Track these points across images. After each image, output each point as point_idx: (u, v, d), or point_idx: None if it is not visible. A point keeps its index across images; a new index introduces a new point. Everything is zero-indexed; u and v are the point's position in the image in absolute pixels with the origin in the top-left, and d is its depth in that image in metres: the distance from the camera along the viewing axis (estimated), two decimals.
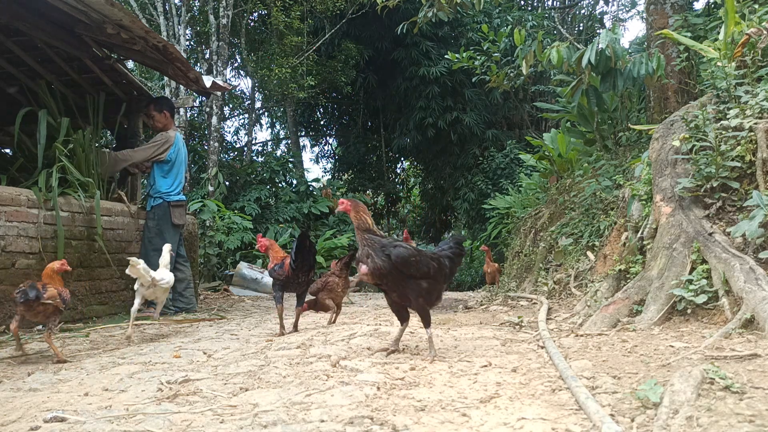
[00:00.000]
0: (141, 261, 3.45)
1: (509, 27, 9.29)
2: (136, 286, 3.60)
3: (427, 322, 2.64)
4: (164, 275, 3.73)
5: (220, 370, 2.47)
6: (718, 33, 4.51)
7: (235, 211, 9.91)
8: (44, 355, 3.01)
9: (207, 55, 12.40)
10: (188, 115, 12.03)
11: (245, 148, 14.81)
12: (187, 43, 12.24)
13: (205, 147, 12.29)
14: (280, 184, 12.36)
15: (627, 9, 17.33)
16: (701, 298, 2.90)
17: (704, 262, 3.06)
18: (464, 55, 7.56)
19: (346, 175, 18.16)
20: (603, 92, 5.51)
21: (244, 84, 16.84)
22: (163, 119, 5.39)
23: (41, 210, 4.25)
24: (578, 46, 5.78)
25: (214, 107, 11.00)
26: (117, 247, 5.03)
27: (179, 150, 5.43)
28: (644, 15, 6.27)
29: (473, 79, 8.87)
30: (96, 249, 4.74)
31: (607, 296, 3.67)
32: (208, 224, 9.09)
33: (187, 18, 11.72)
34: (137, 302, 3.61)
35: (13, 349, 3.13)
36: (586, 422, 1.58)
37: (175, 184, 5.37)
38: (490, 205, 10.42)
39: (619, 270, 3.82)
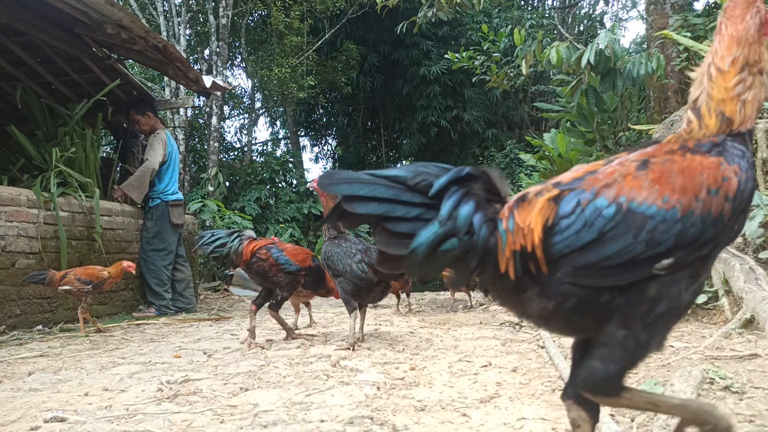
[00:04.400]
0: None
1: (509, 27, 9.29)
2: None
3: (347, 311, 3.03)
4: None
5: (220, 370, 2.47)
6: None
7: (235, 211, 9.90)
8: (44, 355, 3.01)
9: (207, 55, 12.39)
10: (188, 115, 12.03)
11: (245, 148, 14.80)
12: (187, 43, 12.23)
13: (205, 147, 12.29)
14: (280, 184, 12.36)
15: (627, 9, 17.33)
16: (701, 298, 2.91)
17: None
18: (464, 55, 7.56)
19: None
20: (603, 92, 5.51)
21: (244, 83, 16.86)
22: (148, 121, 5.38)
23: (41, 210, 4.25)
24: (578, 46, 5.79)
25: (214, 107, 10.99)
26: (117, 247, 5.03)
27: (173, 148, 5.44)
28: (644, 15, 6.27)
29: (473, 79, 8.86)
30: (96, 249, 4.74)
31: None
32: (208, 224, 9.09)
33: (187, 18, 11.72)
34: None
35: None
36: None
37: (171, 183, 5.37)
38: None
39: None
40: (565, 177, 1.07)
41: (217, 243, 3.22)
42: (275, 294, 3.28)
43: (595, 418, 1.08)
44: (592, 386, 1.02)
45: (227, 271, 8.82)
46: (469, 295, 5.56)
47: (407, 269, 0.98)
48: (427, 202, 0.98)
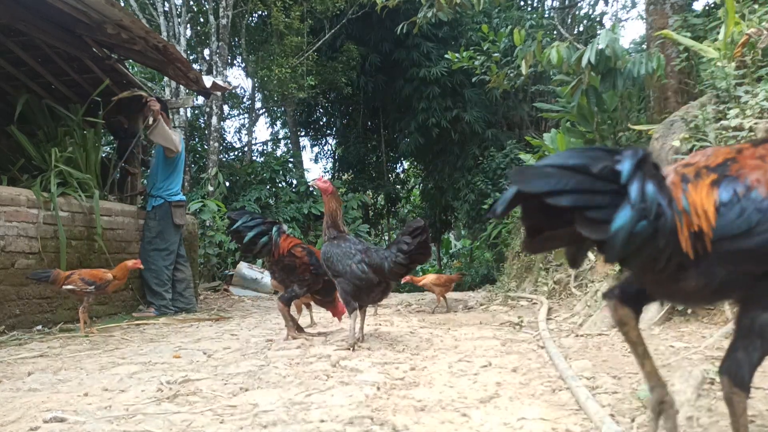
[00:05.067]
0: None
1: (509, 27, 9.29)
2: None
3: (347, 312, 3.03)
4: None
5: (220, 370, 2.47)
6: (718, 33, 4.51)
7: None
8: (44, 355, 3.01)
9: (207, 55, 12.39)
10: (188, 115, 12.02)
11: (245, 148, 14.80)
12: (187, 43, 12.23)
13: (205, 147, 12.29)
14: (280, 184, 12.36)
15: (627, 9, 17.32)
16: None
17: None
18: (464, 55, 7.56)
19: (346, 175, 18.16)
20: (603, 92, 5.51)
21: (244, 83, 16.86)
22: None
23: (41, 210, 4.25)
24: (578, 46, 5.79)
25: (214, 107, 10.99)
26: (117, 247, 5.03)
27: (182, 149, 5.44)
28: (644, 15, 6.27)
29: (473, 80, 8.84)
30: (96, 249, 4.74)
31: None
32: (208, 224, 9.09)
33: (187, 18, 11.72)
34: None
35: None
36: (587, 422, 1.58)
37: (175, 183, 5.37)
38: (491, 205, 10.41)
39: (620, 270, 3.82)
40: (707, 160, 1.15)
41: (258, 230, 3.25)
42: (291, 289, 3.31)
43: (637, 316, 1.22)
44: (734, 376, 1.14)
45: (227, 271, 8.83)
46: (444, 299, 5.16)
47: (606, 252, 1.03)
48: (613, 188, 1.02)
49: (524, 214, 1.08)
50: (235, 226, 3.29)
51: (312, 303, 4.07)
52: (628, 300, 1.22)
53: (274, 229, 3.31)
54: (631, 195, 1.00)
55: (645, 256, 1.05)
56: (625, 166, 1.02)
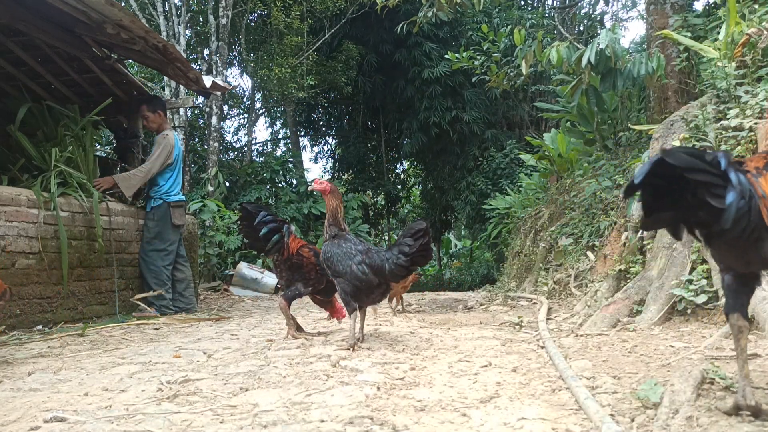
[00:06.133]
0: None
1: (509, 27, 9.29)
2: None
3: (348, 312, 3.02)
4: None
5: (220, 370, 2.47)
6: (718, 33, 4.51)
7: (235, 211, 9.90)
8: (44, 355, 3.01)
9: (207, 55, 12.40)
10: (188, 115, 12.03)
11: (245, 148, 14.81)
12: (187, 43, 12.23)
13: (205, 147, 12.30)
14: (280, 184, 12.36)
15: (627, 9, 17.31)
16: (701, 298, 2.90)
17: (704, 262, 3.07)
18: (464, 55, 7.57)
19: (346, 175, 18.16)
20: (603, 92, 5.52)
21: (244, 84, 16.86)
22: (157, 119, 5.38)
23: (41, 210, 4.25)
24: (578, 46, 5.78)
25: (214, 107, 10.99)
26: (117, 247, 5.03)
27: (179, 150, 5.44)
28: (644, 15, 6.27)
29: (473, 79, 8.83)
30: (96, 249, 4.74)
31: (607, 296, 3.67)
32: (208, 224, 9.09)
33: (187, 18, 11.72)
34: None
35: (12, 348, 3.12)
36: (586, 422, 1.58)
37: (175, 184, 5.36)
38: (490, 205, 10.42)
39: (619, 270, 3.82)
40: (753, 164, 1.48)
41: (272, 226, 3.29)
42: (295, 287, 3.34)
43: (750, 326, 1.60)
44: None
45: (227, 271, 8.84)
46: (400, 300, 4.97)
47: (723, 220, 1.31)
48: (720, 173, 1.32)
49: (644, 195, 1.37)
50: (257, 221, 3.31)
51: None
52: (745, 313, 1.53)
53: (285, 227, 3.36)
54: (732, 180, 1.31)
55: (741, 227, 1.34)
56: (722, 160, 1.33)
